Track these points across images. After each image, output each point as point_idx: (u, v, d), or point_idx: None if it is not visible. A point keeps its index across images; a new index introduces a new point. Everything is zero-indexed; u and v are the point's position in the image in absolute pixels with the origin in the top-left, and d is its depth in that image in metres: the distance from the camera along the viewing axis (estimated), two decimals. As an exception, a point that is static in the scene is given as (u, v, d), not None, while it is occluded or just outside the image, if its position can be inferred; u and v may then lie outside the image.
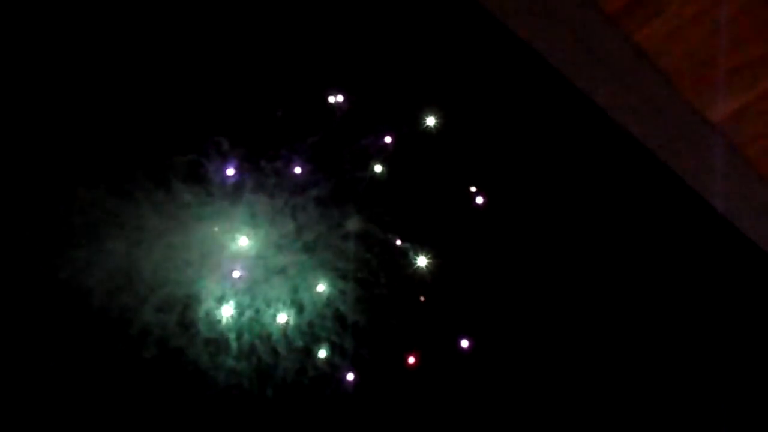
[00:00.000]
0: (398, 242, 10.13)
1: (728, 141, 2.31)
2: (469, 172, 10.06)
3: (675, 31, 2.17)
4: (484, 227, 10.14)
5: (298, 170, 10.01)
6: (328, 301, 9.98)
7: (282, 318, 9.87)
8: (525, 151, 9.76)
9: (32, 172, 8.96)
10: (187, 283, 9.73)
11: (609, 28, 2.18)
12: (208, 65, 9.26)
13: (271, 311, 9.87)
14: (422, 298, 10.13)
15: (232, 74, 9.33)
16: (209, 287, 9.80)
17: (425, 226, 10.05)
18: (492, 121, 9.61)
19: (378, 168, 10.02)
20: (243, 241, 9.95)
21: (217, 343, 9.63)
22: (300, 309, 9.94)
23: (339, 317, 10.01)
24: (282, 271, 10.00)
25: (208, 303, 9.75)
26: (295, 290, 10.00)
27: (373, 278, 10.14)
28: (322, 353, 9.86)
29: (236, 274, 9.90)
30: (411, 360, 10.08)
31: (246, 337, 9.71)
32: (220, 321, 9.73)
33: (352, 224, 10.12)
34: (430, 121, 9.89)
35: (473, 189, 10.13)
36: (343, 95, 9.91)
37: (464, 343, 10.11)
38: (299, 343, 9.84)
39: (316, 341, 9.89)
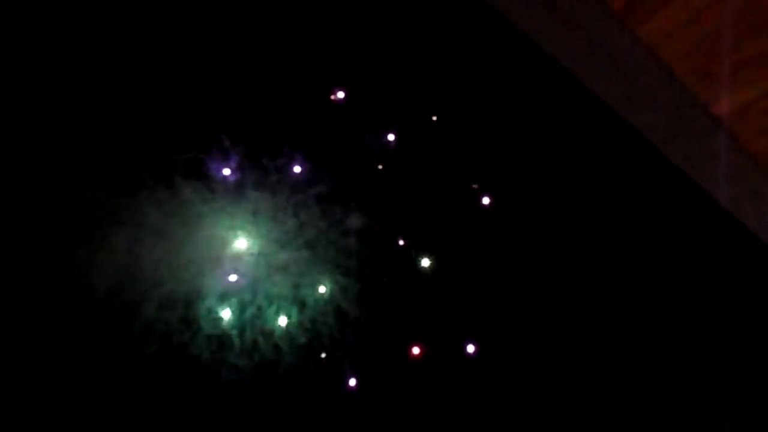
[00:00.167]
0: (400, 240, 10.13)
1: (733, 136, 2.30)
2: (472, 169, 10.05)
3: (680, 25, 2.16)
4: (488, 225, 10.14)
5: (299, 167, 10.02)
6: (330, 298, 9.99)
7: (283, 315, 9.88)
8: (528, 147, 9.74)
9: (35, 171, 8.96)
10: (189, 280, 9.73)
11: (613, 22, 2.18)
12: (209, 63, 9.25)
13: (273, 308, 9.88)
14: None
15: (234, 72, 9.33)
16: (211, 284, 9.80)
17: (427, 224, 10.05)
18: (495, 117, 9.60)
19: (380, 165, 10.02)
20: (245, 239, 9.96)
21: (220, 340, 9.64)
22: (302, 306, 9.95)
23: (341, 314, 10.01)
24: (284, 268, 10.01)
25: (210, 300, 9.75)
26: (296, 287, 10.01)
27: (375, 275, 10.15)
28: (324, 350, 9.87)
29: (238, 271, 9.90)
30: (415, 351, 10.08)
31: (248, 334, 9.71)
32: (222, 318, 9.74)
33: (354, 221, 10.12)
34: (433, 118, 9.88)
35: (476, 186, 10.13)
36: (344, 92, 9.91)
37: (470, 348, 10.10)
38: (301, 340, 9.85)
39: (318, 338, 9.90)
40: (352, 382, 9.86)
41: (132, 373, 9.07)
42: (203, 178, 9.84)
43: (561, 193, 9.86)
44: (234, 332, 9.70)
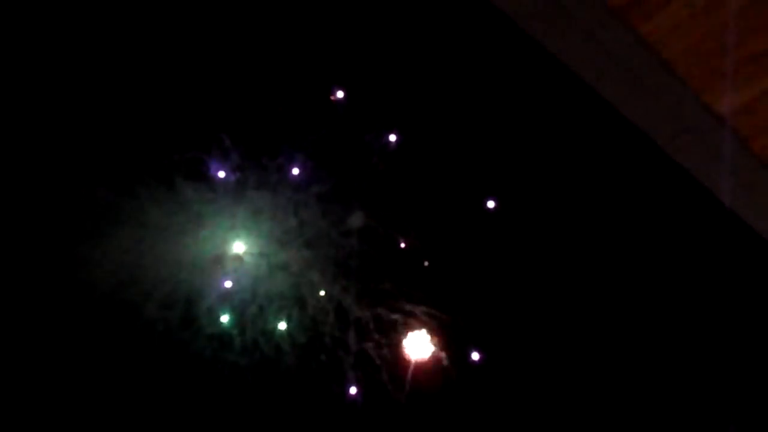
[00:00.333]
0: (401, 238, 10.12)
1: (736, 134, 2.29)
2: (474, 170, 10.02)
3: (682, 23, 2.15)
4: (488, 226, 10.11)
5: (299, 167, 10.01)
6: (331, 297, 9.98)
7: (284, 314, 9.88)
8: (530, 145, 9.72)
9: (37, 171, 8.96)
10: (190, 279, 9.73)
11: (615, 20, 2.17)
12: (210, 63, 9.25)
13: (274, 307, 9.87)
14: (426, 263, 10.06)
15: (234, 72, 9.33)
16: (212, 283, 9.80)
17: (428, 224, 10.02)
18: (496, 115, 9.57)
19: (381, 165, 10.01)
20: (245, 238, 9.95)
21: (220, 338, 9.64)
22: (302, 305, 9.94)
23: (341, 313, 10.01)
24: (284, 267, 10.01)
25: (211, 299, 9.75)
26: (297, 286, 10.00)
27: (375, 274, 10.14)
28: (325, 350, 9.87)
29: (238, 270, 9.90)
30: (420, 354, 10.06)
31: (249, 332, 9.71)
32: (223, 317, 9.74)
33: (354, 221, 10.12)
34: (435, 118, 9.86)
35: (477, 187, 10.08)
36: (344, 92, 9.89)
37: (475, 355, 10.08)
38: (301, 339, 9.84)
39: (318, 337, 9.90)
40: (353, 380, 9.86)
41: (133, 370, 9.06)
42: (204, 177, 9.84)
43: (563, 190, 9.84)
44: (235, 331, 9.70)
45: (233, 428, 9.53)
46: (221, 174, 9.86)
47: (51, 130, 8.98)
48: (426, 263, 10.01)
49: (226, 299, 9.78)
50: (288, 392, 9.65)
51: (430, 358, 10.14)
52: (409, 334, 10.17)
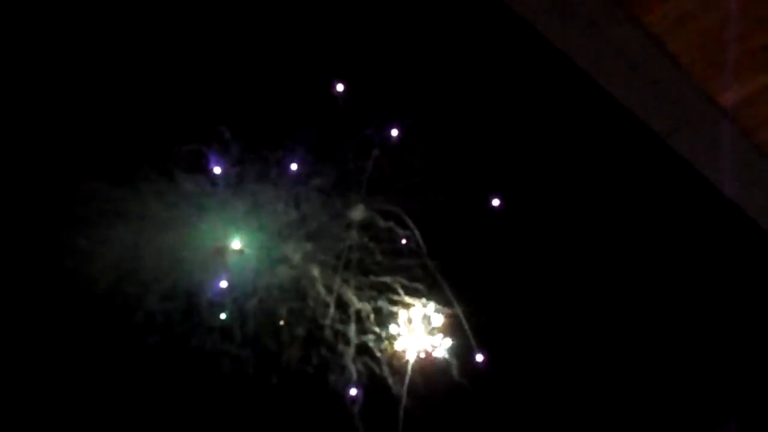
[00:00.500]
0: (400, 231, 10.11)
1: (739, 126, 2.29)
2: (475, 165, 9.99)
3: (686, 15, 2.15)
4: (482, 218, 10.09)
5: (300, 160, 10.00)
6: (331, 289, 9.98)
7: (284, 306, 9.88)
8: (532, 137, 9.68)
9: (36, 164, 8.96)
10: (191, 271, 9.73)
11: (619, 12, 2.17)
12: (210, 55, 9.23)
13: (274, 299, 9.88)
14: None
15: (234, 64, 9.31)
16: (212, 276, 9.80)
17: (431, 219, 10.01)
18: (496, 107, 9.54)
19: (382, 158, 10.00)
20: (246, 231, 9.95)
21: (221, 330, 9.65)
22: (303, 297, 9.95)
23: (342, 305, 10.02)
24: (285, 259, 10.01)
25: (212, 292, 9.75)
26: (297, 278, 10.00)
27: (376, 267, 10.14)
28: (325, 342, 9.88)
29: (240, 263, 9.90)
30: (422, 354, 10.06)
31: (250, 325, 9.72)
32: (223, 309, 9.74)
33: (355, 214, 10.11)
34: (436, 112, 9.83)
35: (476, 181, 10.06)
36: (344, 85, 9.87)
37: (479, 358, 10.07)
38: (302, 331, 9.85)
39: (319, 329, 9.91)
40: (353, 372, 9.87)
41: (133, 363, 9.07)
42: (204, 170, 9.83)
43: (565, 182, 9.82)
44: (235, 323, 9.71)
45: (234, 420, 9.55)
46: (222, 167, 9.85)
47: (51, 124, 8.97)
48: (428, 260, 10.00)
49: (227, 292, 9.79)
50: (288, 385, 9.66)
51: (430, 351, 10.15)
52: (409, 327, 10.18)
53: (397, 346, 10.15)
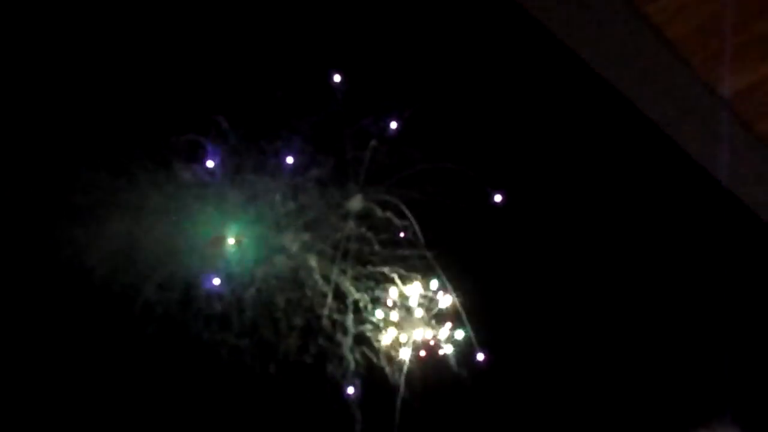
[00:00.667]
0: (398, 221, 10.12)
1: (738, 116, 2.29)
2: (472, 155, 9.98)
3: (687, 4, 2.14)
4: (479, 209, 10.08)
5: (298, 150, 9.98)
6: (329, 279, 9.99)
7: (282, 296, 9.89)
8: (530, 126, 9.67)
9: (33, 154, 8.94)
10: (188, 261, 9.73)
11: (619, 1, 2.15)
12: (207, 45, 9.20)
13: (272, 289, 9.88)
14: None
15: (232, 54, 9.28)
16: (210, 266, 9.81)
17: (429, 210, 10.00)
18: (496, 98, 9.53)
19: (379, 148, 9.98)
20: (243, 221, 9.95)
21: (219, 320, 9.66)
22: (300, 286, 9.95)
23: (339, 295, 10.03)
24: (282, 249, 10.01)
25: (209, 281, 9.76)
26: (295, 268, 10.01)
27: (374, 258, 10.15)
28: (323, 332, 9.90)
29: (237, 252, 9.90)
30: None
31: (247, 314, 9.73)
32: (221, 299, 9.75)
33: (353, 204, 10.11)
34: (435, 103, 9.81)
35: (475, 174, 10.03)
36: (343, 75, 9.84)
37: (480, 356, 10.08)
38: (300, 321, 9.87)
39: (317, 319, 9.92)
40: (351, 363, 9.89)
41: (132, 352, 9.09)
42: (202, 160, 9.82)
43: (565, 174, 9.81)
44: (233, 312, 9.72)
45: (231, 409, 9.57)
46: (220, 157, 9.84)
47: (48, 114, 8.95)
48: (425, 251, 9.99)
49: (225, 281, 9.79)
50: (286, 375, 9.68)
51: (428, 340, 10.17)
52: (407, 318, 10.19)
53: (395, 336, 10.17)
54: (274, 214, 10.03)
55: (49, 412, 8.98)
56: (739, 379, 9.48)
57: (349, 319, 9.97)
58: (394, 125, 9.99)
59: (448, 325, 10.17)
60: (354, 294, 10.04)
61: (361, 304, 10.07)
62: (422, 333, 10.14)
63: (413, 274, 10.17)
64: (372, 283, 10.14)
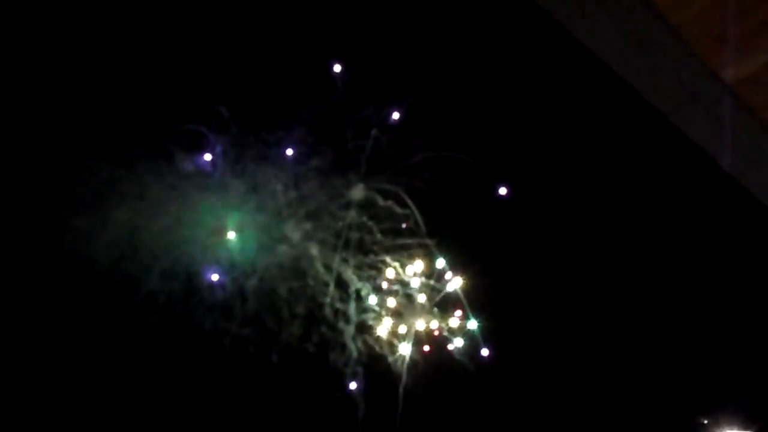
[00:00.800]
0: (399, 210, 10.12)
1: (743, 103, 2.30)
2: (473, 145, 9.96)
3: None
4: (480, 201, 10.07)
5: (300, 140, 9.98)
6: (330, 268, 10.01)
7: (284, 285, 9.91)
8: (533, 111, 9.63)
9: (37, 145, 8.94)
10: (190, 251, 9.74)
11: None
12: (209, 36, 9.18)
13: (274, 278, 9.90)
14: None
15: (233, 45, 9.26)
16: (212, 255, 9.82)
17: (430, 198, 10.00)
18: (497, 85, 9.50)
19: (380, 138, 9.98)
20: (245, 211, 9.96)
21: (221, 309, 9.68)
22: (302, 275, 9.97)
23: (341, 284, 10.05)
24: (284, 239, 10.02)
25: (212, 270, 9.78)
26: (297, 258, 10.03)
27: (375, 247, 10.16)
28: (325, 321, 9.92)
29: (239, 242, 9.91)
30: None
31: (250, 303, 9.75)
32: (223, 288, 9.77)
33: (355, 193, 10.12)
34: (435, 92, 9.79)
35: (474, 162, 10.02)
36: (343, 65, 9.83)
37: (484, 354, 10.09)
38: (302, 310, 9.89)
39: (319, 308, 9.94)
40: (354, 351, 9.92)
41: (135, 341, 9.11)
42: (204, 150, 9.82)
43: (566, 163, 9.80)
44: (236, 302, 9.74)
45: (235, 399, 9.61)
46: (221, 147, 9.84)
47: (51, 106, 8.94)
48: (427, 239, 10.00)
49: (227, 271, 9.81)
50: (288, 364, 9.71)
51: (431, 330, 10.20)
52: (409, 306, 10.22)
53: (396, 324, 10.19)
54: (275, 203, 10.04)
55: (53, 399, 9.02)
56: (744, 373, 9.51)
57: (351, 307, 10.00)
58: (395, 115, 9.98)
59: (450, 313, 10.20)
60: (356, 283, 10.06)
61: (363, 293, 10.09)
62: (424, 323, 10.17)
63: (414, 262, 10.18)
64: (374, 272, 10.17)
